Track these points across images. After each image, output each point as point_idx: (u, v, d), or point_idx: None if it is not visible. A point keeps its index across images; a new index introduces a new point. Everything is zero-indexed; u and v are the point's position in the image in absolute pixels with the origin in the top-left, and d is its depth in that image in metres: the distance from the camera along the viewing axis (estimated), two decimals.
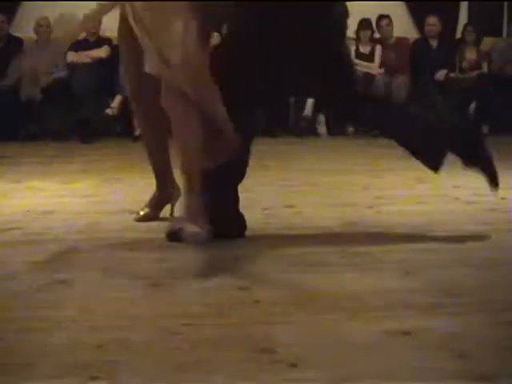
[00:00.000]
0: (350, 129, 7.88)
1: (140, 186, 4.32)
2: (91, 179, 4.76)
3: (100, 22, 7.74)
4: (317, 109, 7.84)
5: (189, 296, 2.31)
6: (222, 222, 2.95)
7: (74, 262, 2.76)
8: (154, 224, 3.32)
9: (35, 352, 1.89)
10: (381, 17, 8.29)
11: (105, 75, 7.48)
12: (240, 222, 3.08)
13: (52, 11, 8.01)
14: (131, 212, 3.50)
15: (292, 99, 8.04)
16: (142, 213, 3.42)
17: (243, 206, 3.08)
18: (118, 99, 7.37)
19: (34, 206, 3.82)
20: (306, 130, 7.85)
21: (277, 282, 2.44)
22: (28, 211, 3.70)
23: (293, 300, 2.26)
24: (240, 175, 3.06)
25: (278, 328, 2.04)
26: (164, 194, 3.41)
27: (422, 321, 2.07)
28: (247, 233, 3.10)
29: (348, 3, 3.04)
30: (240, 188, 3.04)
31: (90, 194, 4.18)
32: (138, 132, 7.38)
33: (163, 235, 3.03)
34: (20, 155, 6.53)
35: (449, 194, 4.04)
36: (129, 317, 2.13)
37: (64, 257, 2.83)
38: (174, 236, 2.95)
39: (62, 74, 7.69)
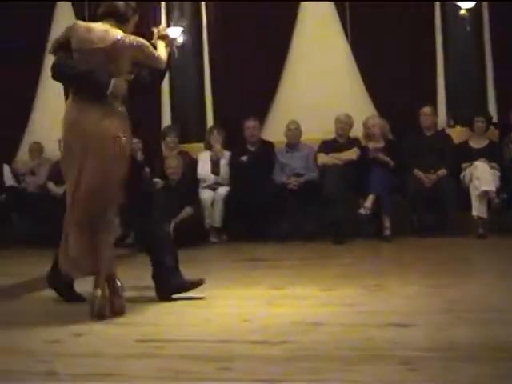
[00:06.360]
0: None
1: (404, 294, 4.23)
2: (350, 285, 4.69)
3: (351, 124, 7.88)
4: None
5: None
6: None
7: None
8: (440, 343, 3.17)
9: None
10: None
11: (355, 176, 7.48)
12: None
13: (305, 115, 8.24)
14: (402, 325, 3.40)
15: None
16: None
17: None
18: (370, 199, 7.33)
19: (301, 317, 3.81)
20: None
21: None
22: (296, 322, 3.69)
23: None
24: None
25: None
26: None
27: None
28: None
29: None
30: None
31: (354, 303, 4.10)
32: (387, 232, 7.34)
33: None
34: (275, 257, 6.67)
35: None
36: None
37: (339, 377, 2.74)
38: None
39: (313, 175, 7.83)
